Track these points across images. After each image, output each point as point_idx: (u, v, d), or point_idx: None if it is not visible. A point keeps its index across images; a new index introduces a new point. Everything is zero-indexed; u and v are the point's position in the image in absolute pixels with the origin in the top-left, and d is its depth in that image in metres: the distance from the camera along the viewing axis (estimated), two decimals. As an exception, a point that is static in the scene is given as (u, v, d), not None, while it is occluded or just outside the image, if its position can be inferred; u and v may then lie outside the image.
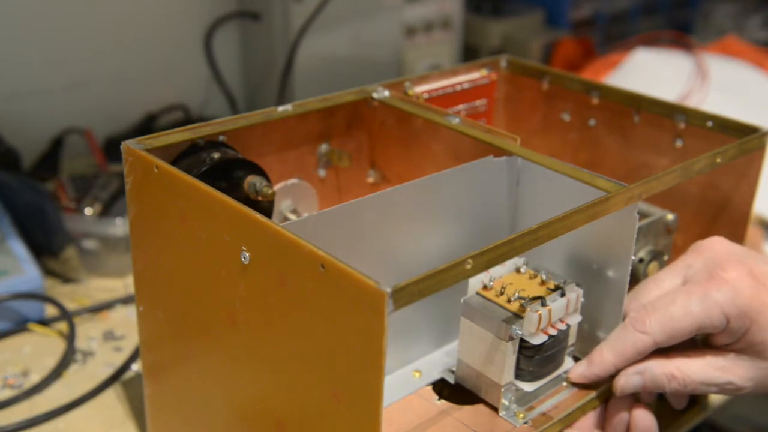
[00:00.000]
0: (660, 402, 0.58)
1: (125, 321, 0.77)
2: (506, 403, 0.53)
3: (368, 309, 0.38)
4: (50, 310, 0.76)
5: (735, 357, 0.53)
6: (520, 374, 0.53)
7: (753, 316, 0.51)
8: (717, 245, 0.56)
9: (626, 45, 1.24)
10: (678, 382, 0.53)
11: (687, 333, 0.52)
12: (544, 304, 0.52)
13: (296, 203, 0.62)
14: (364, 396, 0.40)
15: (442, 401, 0.54)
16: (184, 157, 0.54)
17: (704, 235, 0.64)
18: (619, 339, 0.53)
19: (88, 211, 0.84)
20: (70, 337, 0.72)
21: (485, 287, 0.54)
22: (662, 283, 0.56)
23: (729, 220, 0.63)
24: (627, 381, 0.53)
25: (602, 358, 0.54)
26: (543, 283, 0.54)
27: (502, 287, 0.53)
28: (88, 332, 0.75)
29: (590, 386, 0.55)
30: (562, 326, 0.53)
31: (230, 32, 1.10)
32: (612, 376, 0.54)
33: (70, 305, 0.77)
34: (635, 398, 0.56)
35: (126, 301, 0.79)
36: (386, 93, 0.64)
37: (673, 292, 0.54)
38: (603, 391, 0.55)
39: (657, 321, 0.52)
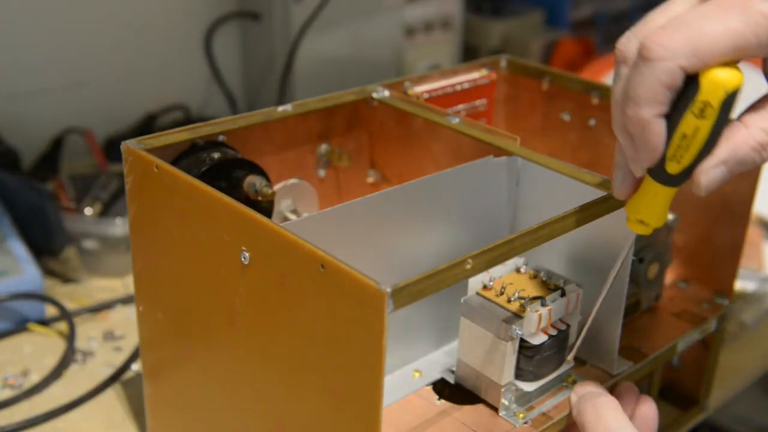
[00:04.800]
0: (659, 402, 0.58)
1: (125, 321, 0.77)
2: (506, 403, 0.53)
3: (368, 309, 0.38)
4: (50, 310, 0.76)
5: None
6: (520, 374, 0.53)
7: None
8: None
9: (626, 45, 1.23)
10: None
11: (719, 54, 0.40)
12: (544, 304, 0.52)
13: (296, 203, 0.62)
14: (363, 396, 0.40)
15: (442, 401, 0.54)
16: (184, 157, 0.54)
17: (704, 235, 0.64)
18: (636, 85, 0.41)
19: (88, 211, 0.84)
20: (70, 337, 0.72)
21: (485, 287, 0.54)
22: (673, 6, 0.43)
23: (729, 220, 0.62)
24: (709, 178, 0.42)
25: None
26: (543, 283, 0.54)
27: (502, 287, 0.53)
28: (88, 332, 0.75)
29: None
30: (562, 326, 0.53)
31: (230, 32, 1.10)
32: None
33: (70, 305, 0.77)
34: (639, 390, 0.55)
35: (126, 301, 0.79)
36: (386, 93, 0.64)
37: (697, 8, 0.41)
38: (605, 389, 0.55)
39: (682, 38, 0.40)
